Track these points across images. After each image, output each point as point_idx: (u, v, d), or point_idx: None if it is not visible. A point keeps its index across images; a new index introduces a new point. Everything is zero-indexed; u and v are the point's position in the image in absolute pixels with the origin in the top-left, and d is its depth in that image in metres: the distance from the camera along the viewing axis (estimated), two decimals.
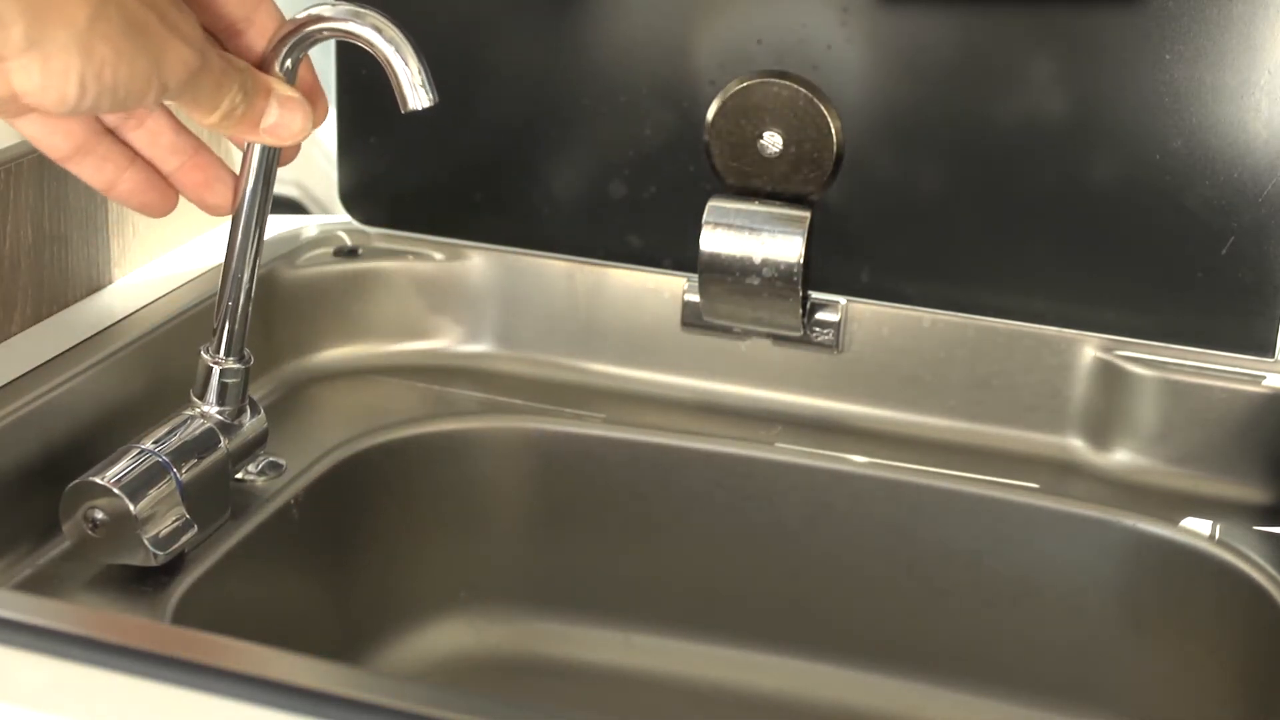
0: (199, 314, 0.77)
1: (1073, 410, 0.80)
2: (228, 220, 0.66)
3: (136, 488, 0.62)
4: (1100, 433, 0.79)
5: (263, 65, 0.61)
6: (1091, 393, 0.79)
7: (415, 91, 0.62)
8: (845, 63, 0.79)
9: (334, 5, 0.62)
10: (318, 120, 0.63)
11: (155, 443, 0.64)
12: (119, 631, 0.52)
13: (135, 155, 0.62)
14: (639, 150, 0.83)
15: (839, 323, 0.81)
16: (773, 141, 0.78)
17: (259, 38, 0.61)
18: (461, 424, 0.80)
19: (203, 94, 0.57)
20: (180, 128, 0.62)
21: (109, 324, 0.74)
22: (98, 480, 0.62)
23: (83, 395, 0.69)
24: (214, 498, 0.67)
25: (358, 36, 0.62)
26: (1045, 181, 0.78)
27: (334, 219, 0.91)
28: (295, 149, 0.64)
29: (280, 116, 0.61)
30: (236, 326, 0.67)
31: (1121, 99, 0.76)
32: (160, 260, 0.84)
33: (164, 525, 0.63)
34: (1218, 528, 0.74)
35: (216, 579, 0.66)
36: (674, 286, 0.83)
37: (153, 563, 0.63)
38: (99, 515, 0.61)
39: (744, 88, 0.78)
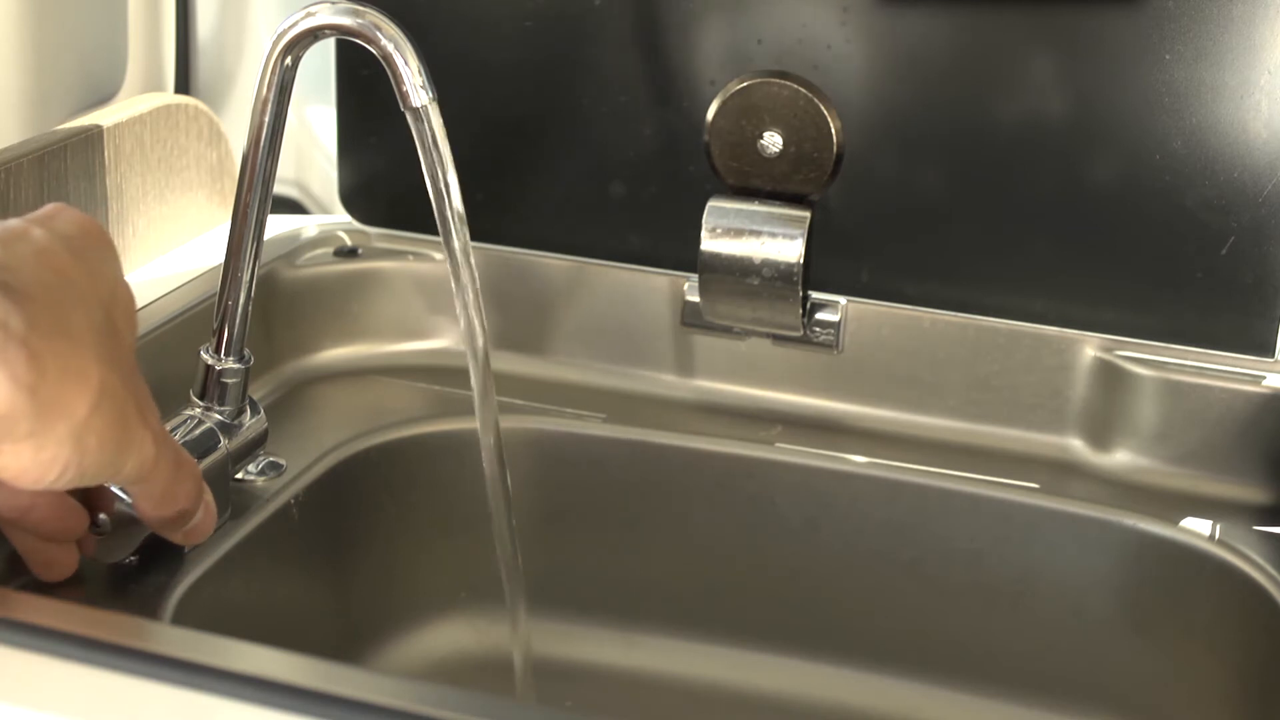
0: (199, 314, 0.77)
1: (1073, 410, 0.79)
2: (228, 220, 0.66)
3: None
4: (1100, 433, 0.79)
5: None
6: (1091, 393, 0.79)
7: (415, 90, 0.62)
8: (845, 63, 0.79)
9: (334, 4, 0.62)
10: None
11: None
12: (119, 631, 0.52)
13: None
14: (639, 150, 0.83)
15: (839, 323, 0.81)
16: (773, 141, 0.78)
17: None
18: (461, 424, 0.80)
19: (155, 489, 0.58)
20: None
21: None
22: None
23: None
24: (214, 498, 0.67)
25: (358, 34, 0.62)
26: (1045, 181, 0.78)
27: (334, 219, 0.92)
28: (197, 535, 0.64)
29: (203, 519, 0.62)
30: (236, 326, 0.67)
31: (1121, 99, 0.76)
32: (160, 260, 0.84)
33: None
34: (1218, 528, 0.74)
35: (216, 579, 0.66)
36: (674, 286, 0.83)
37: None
38: (101, 517, 0.61)
39: (744, 88, 0.78)
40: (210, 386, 0.68)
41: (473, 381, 0.67)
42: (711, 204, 0.79)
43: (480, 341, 0.66)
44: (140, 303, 0.77)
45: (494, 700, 0.50)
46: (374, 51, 0.62)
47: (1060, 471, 0.79)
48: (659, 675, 0.82)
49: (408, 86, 0.62)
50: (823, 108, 0.77)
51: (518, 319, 0.86)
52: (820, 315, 0.81)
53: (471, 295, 0.65)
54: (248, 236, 0.66)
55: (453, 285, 0.65)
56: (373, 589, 0.79)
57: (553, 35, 0.83)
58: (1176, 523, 0.74)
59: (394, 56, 0.62)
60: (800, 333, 0.80)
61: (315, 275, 0.85)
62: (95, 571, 0.63)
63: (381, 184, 0.88)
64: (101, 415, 0.52)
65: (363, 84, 0.86)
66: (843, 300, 0.81)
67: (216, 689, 0.49)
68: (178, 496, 0.60)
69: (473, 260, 0.65)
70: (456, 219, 0.65)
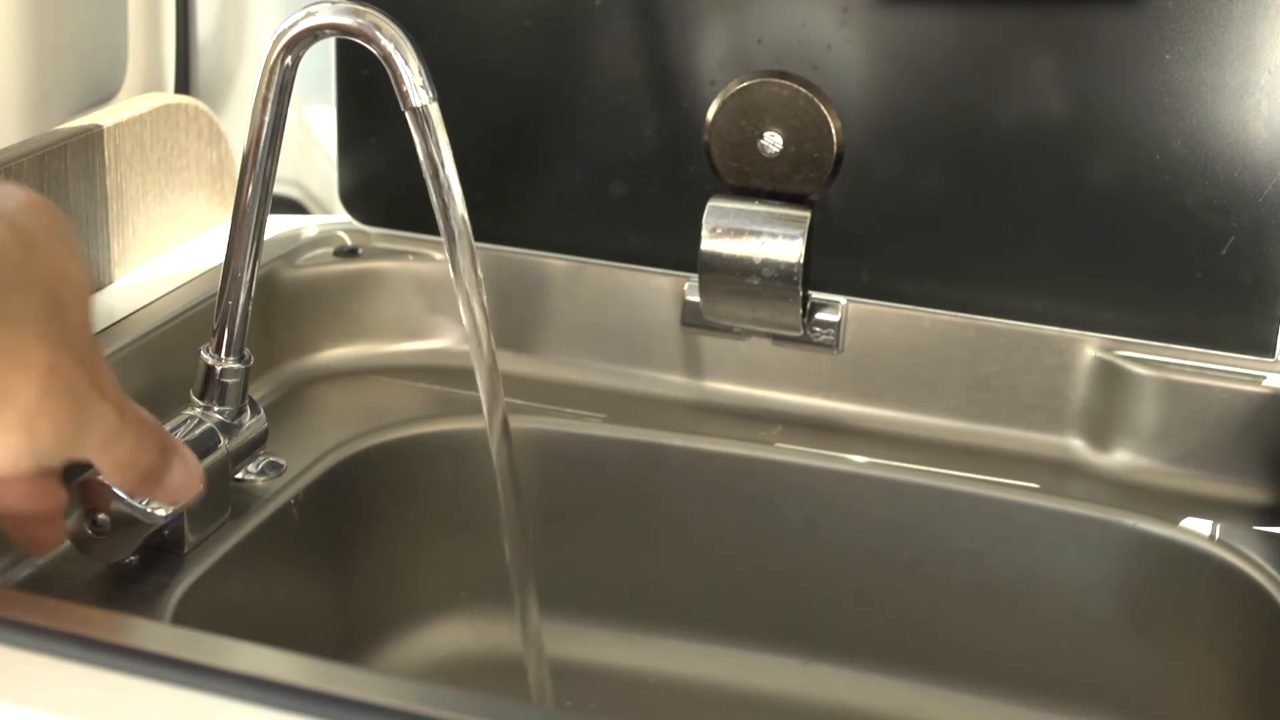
0: (199, 314, 0.77)
1: (1073, 410, 0.79)
2: (228, 220, 0.66)
3: None
4: (1100, 433, 0.79)
5: None
6: (1091, 393, 0.79)
7: (415, 90, 0.62)
8: (845, 63, 0.79)
9: (334, 4, 0.62)
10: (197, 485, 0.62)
11: None
12: (119, 631, 0.52)
13: None
14: (639, 150, 0.83)
15: (839, 323, 0.81)
16: (773, 141, 0.78)
17: None
18: (461, 424, 0.80)
19: (122, 453, 0.56)
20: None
21: (109, 324, 0.74)
22: (100, 480, 0.61)
23: None
24: (214, 498, 0.67)
25: (358, 34, 0.62)
26: (1045, 181, 0.78)
27: (334, 219, 0.92)
28: (184, 491, 0.62)
29: (182, 476, 0.60)
30: (236, 326, 0.67)
31: (1121, 99, 0.76)
32: (160, 260, 0.84)
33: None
34: (1218, 528, 0.74)
35: (216, 579, 0.66)
36: (674, 286, 0.83)
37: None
38: (101, 516, 0.61)
39: (744, 88, 0.78)
40: (210, 386, 0.68)
41: (479, 382, 0.66)
42: (711, 204, 0.79)
43: (485, 341, 0.66)
44: (140, 303, 0.77)
45: (494, 700, 0.50)
46: (374, 51, 0.62)
47: (1060, 471, 0.79)
48: (659, 675, 0.82)
49: (408, 86, 0.62)
50: (823, 108, 0.77)
51: (518, 319, 0.86)
52: (820, 315, 0.81)
53: (476, 295, 0.65)
54: (248, 236, 0.66)
55: (454, 286, 0.65)
56: (373, 589, 0.79)
57: (553, 35, 0.83)
58: (1176, 523, 0.74)
59: (394, 56, 0.62)
60: (800, 333, 0.80)
61: (315, 275, 0.85)
62: (95, 571, 0.63)
63: (381, 184, 0.88)
64: (52, 398, 0.51)
65: (363, 84, 0.86)
66: (843, 300, 0.81)
67: (216, 689, 0.49)
68: (140, 459, 0.58)
69: (477, 261, 0.65)
70: (458, 219, 0.65)
